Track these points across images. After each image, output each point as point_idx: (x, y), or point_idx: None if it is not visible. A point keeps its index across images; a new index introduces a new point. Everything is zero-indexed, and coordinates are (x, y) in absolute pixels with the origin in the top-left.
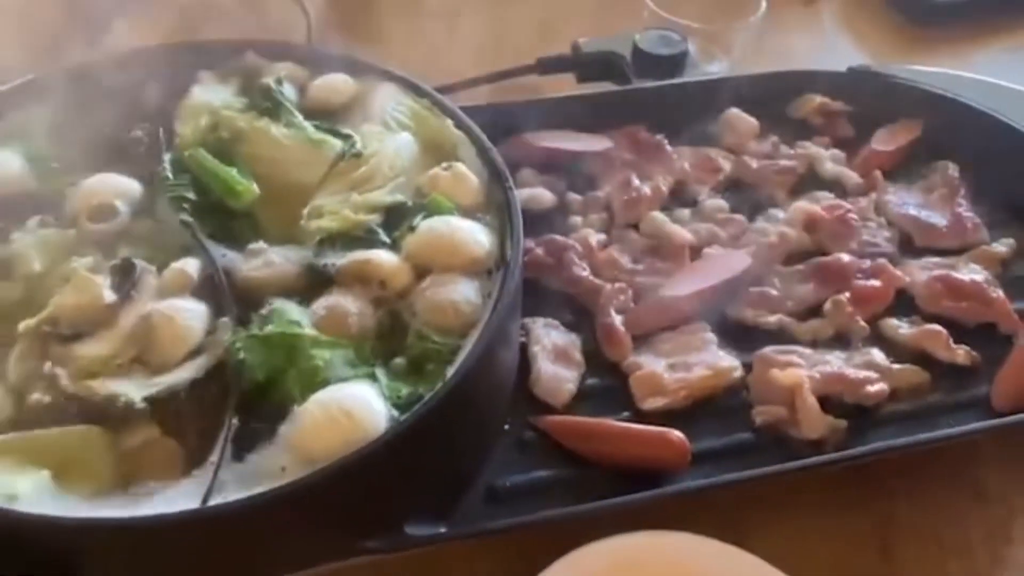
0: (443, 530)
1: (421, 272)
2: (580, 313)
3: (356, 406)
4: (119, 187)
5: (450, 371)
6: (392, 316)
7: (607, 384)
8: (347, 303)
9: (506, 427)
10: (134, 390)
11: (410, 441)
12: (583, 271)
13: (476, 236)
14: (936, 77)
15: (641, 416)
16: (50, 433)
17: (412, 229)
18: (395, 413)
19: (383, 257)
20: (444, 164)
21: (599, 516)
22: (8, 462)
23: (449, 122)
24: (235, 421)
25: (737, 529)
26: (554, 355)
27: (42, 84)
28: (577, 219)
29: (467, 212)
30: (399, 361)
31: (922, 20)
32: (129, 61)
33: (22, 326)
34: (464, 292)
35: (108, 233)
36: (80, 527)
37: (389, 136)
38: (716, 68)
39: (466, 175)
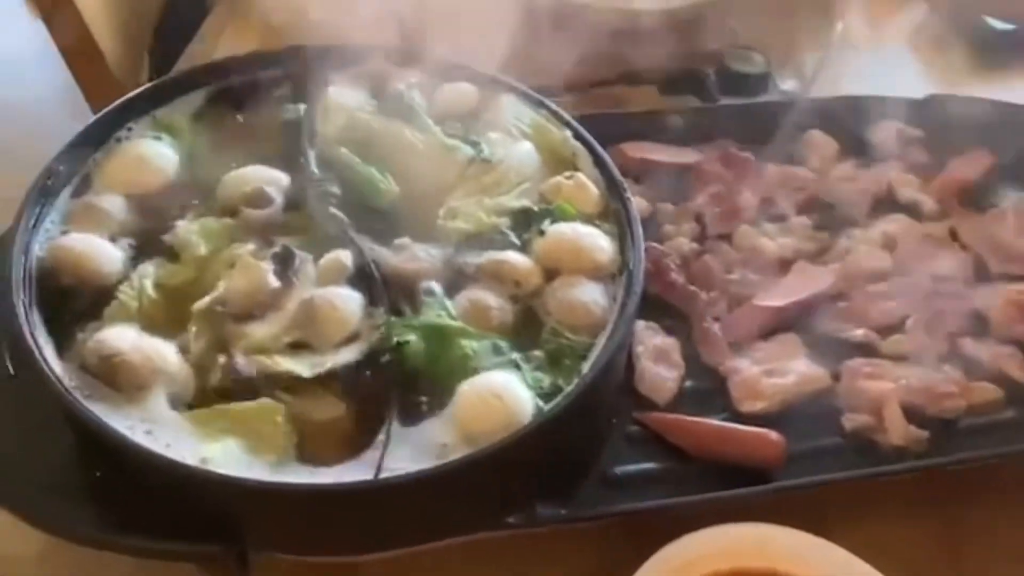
0: (569, 511)
1: (550, 274)
2: (676, 318)
3: (508, 393)
4: (269, 177)
5: (585, 366)
6: (527, 312)
7: (705, 386)
8: (488, 298)
9: (614, 421)
10: (302, 367)
11: (553, 427)
12: (679, 278)
13: (600, 242)
14: (1012, 107)
15: (738, 417)
16: (239, 407)
17: (542, 233)
18: (539, 401)
19: (517, 259)
20: (566, 173)
21: (702, 507)
22: (201, 432)
23: (568, 133)
24: (399, 401)
25: (821, 524)
26: (655, 356)
27: (187, 80)
28: (670, 228)
29: (587, 219)
30: (538, 354)
31: (988, 47)
32: (266, 60)
33: (196, 306)
34: (593, 295)
35: (263, 221)
36: (264, 490)
37: (513, 144)
38: (788, 87)
39: (587, 184)
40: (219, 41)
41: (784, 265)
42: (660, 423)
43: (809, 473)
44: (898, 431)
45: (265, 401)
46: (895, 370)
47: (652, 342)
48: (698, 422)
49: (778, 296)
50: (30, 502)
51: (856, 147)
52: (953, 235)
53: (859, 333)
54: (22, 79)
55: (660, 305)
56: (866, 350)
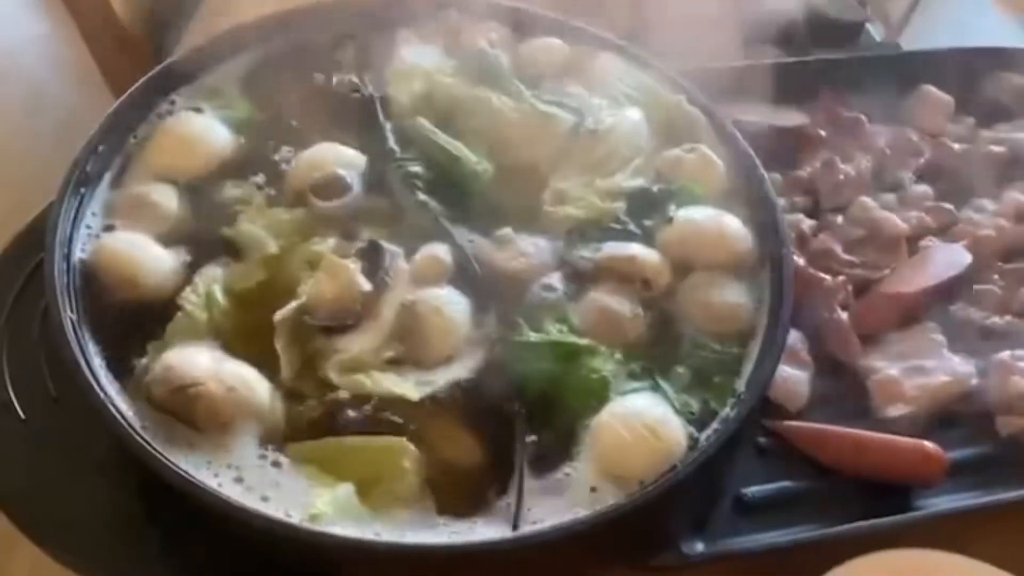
0: (712, 549)
1: (680, 269)
2: (795, 307)
3: (658, 423)
4: (343, 158)
5: (740, 384)
6: (661, 319)
7: (838, 387)
8: (620, 306)
9: None
10: (407, 387)
11: (712, 460)
12: (800, 260)
13: (739, 230)
14: None
15: (878, 423)
16: (360, 443)
17: (669, 220)
18: (691, 429)
19: (646, 253)
20: (686, 146)
21: (853, 536)
22: (306, 476)
23: (682, 97)
24: (527, 433)
25: (982, 545)
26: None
27: (232, 40)
28: (781, 201)
29: (715, 200)
30: (682, 371)
31: None
32: (323, 13)
33: (278, 316)
34: (738, 295)
35: (341, 211)
36: (392, 554)
37: (619, 111)
38: (878, 33)
39: (712, 159)
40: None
41: (909, 242)
42: (796, 434)
43: (963, 488)
44: None
45: (392, 440)
46: None
47: None
48: (841, 433)
49: (911, 280)
50: (84, 551)
51: (969, 104)
52: None
53: (1004, 320)
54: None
55: None
56: (1013, 339)
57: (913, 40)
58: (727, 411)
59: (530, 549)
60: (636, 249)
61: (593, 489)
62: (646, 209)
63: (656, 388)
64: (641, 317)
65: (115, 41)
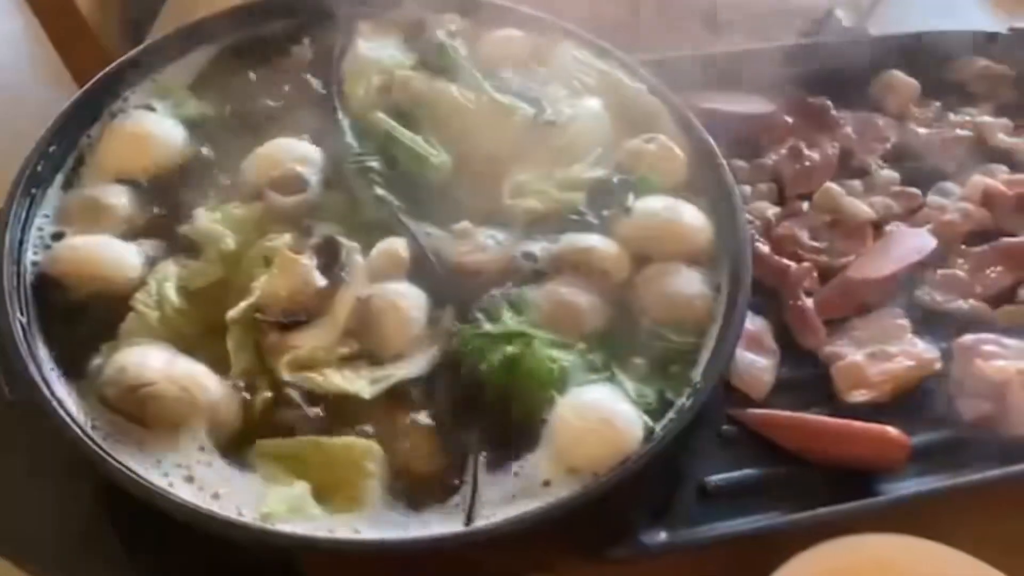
0: (668, 537)
1: (639, 259)
2: (762, 294)
3: (613, 414)
4: (299, 153)
5: (696, 374)
6: (619, 310)
7: (803, 374)
8: (577, 297)
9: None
10: (360, 385)
11: (667, 450)
12: (765, 248)
13: (697, 220)
14: None
15: (842, 409)
16: (326, 443)
17: (627, 211)
18: (647, 419)
19: (604, 245)
20: (645, 136)
21: (816, 523)
22: (268, 469)
23: (643, 87)
24: (482, 428)
25: (947, 530)
26: (747, 342)
27: (186, 37)
28: (746, 189)
29: (674, 191)
30: (639, 362)
31: None
32: (280, 9)
33: (231, 314)
34: (695, 285)
35: (298, 206)
36: (343, 549)
37: (579, 101)
38: (844, 18)
39: (672, 149)
40: None
41: (875, 227)
42: (760, 422)
43: (927, 472)
44: (1023, 419)
45: (356, 441)
46: (1014, 346)
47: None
48: (804, 419)
49: (875, 266)
50: (43, 555)
51: (935, 88)
52: None
53: (968, 304)
54: None
55: None
56: (977, 323)
57: (884, 26)
58: (683, 401)
59: (482, 543)
60: (594, 240)
61: (547, 482)
62: (605, 200)
63: (613, 379)
64: (599, 308)
65: (78, 38)
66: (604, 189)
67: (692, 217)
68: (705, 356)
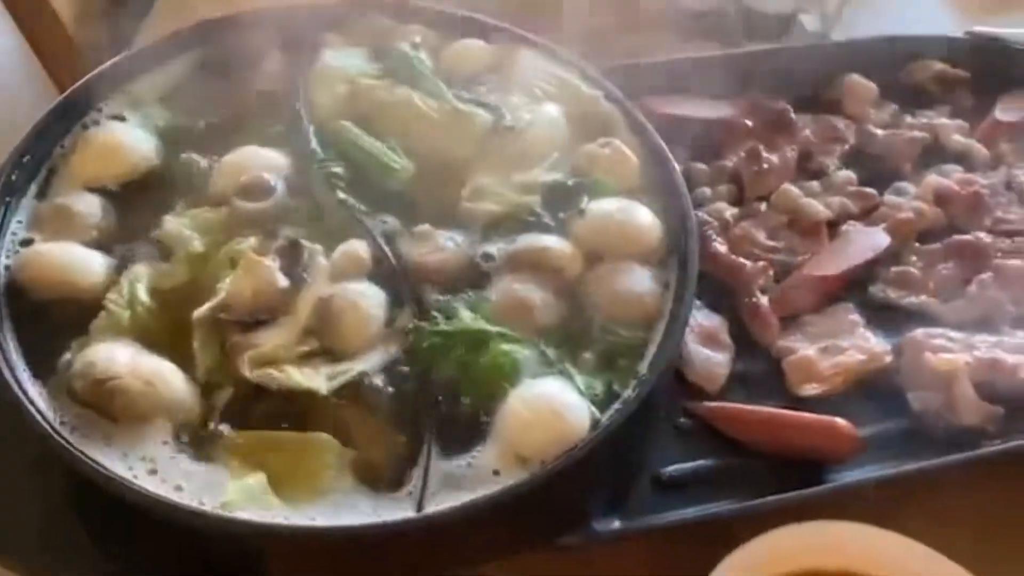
0: (622, 525)
1: (591, 259)
2: (720, 293)
3: (562, 405)
4: (266, 161)
5: (643, 366)
6: (572, 307)
7: (757, 368)
8: (530, 293)
9: (662, 414)
10: (318, 381)
11: (615, 439)
12: (722, 247)
13: (648, 221)
14: None
15: (795, 402)
16: (288, 437)
17: (581, 213)
18: (594, 410)
19: (558, 244)
20: (601, 141)
21: (766, 510)
22: (232, 463)
23: (599, 93)
24: (436, 420)
25: (894, 516)
26: (703, 337)
27: (158, 51)
28: (705, 191)
29: (628, 193)
30: (589, 356)
31: None
32: (249, 23)
33: (197, 313)
34: (644, 282)
35: (264, 211)
36: (296, 536)
37: (537, 108)
38: (810, 23)
39: (626, 153)
40: None
41: (831, 227)
42: (713, 414)
43: (877, 461)
44: (969, 409)
45: (318, 436)
46: (962, 340)
47: (697, 322)
48: (756, 411)
49: (830, 263)
50: (16, 548)
51: (893, 91)
52: (1008, 185)
53: (917, 301)
54: None
55: (701, 278)
56: (925, 318)
57: (851, 30)
58: (628, 392)
59: (431, 528)
60: (549, 240)
61: (496, 472)
62: (561, 202)
63: (563, 373)
64: (552, 305)
65: (62, 48)
66: (560, 192)
67: (643, 218)
68: (652, 350)
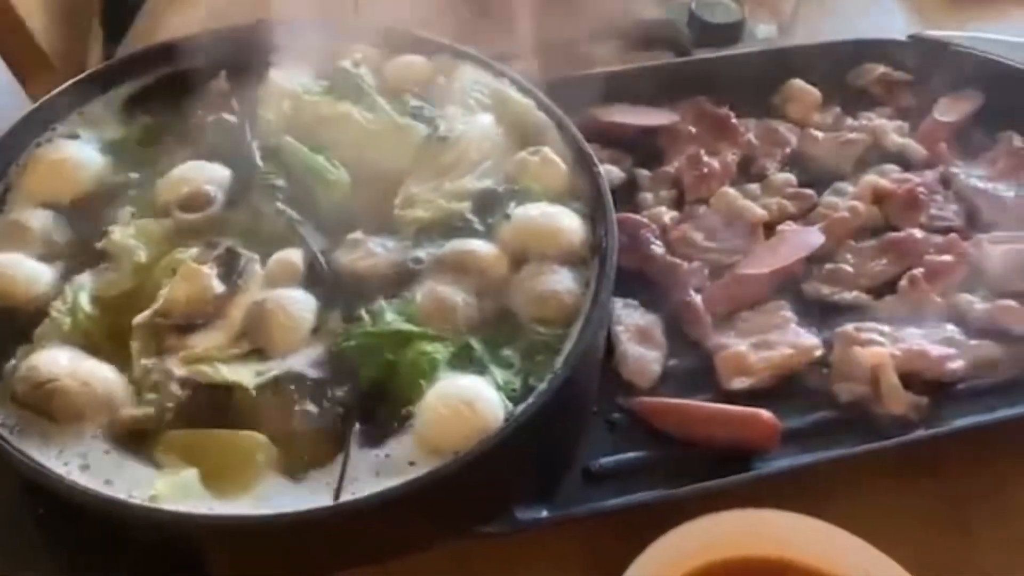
0: (547, 514)
1: (517, 260)
2: (655, 292)
3: (476, 399)
4: (209, 174)
5: (559, 362)
6: (497, 306)
7: (690, 364)
8: (452, 294)
9: (594, 409)
10: (245, 375)
11: (527, 431)
12: (659, 249)
13: (570, 223)
14: (998, 44)
15: (726, 396)
16: (220, 435)
17: (507, 217)
18: (510, 404)
19: (484, 247)
20: (531, 149)
21: (691, 498)
22: (164, 459)
23: (531, 103)
24: (358, 416)
25: (817, 503)
26: (637, 336)
27: (114, 72)
28: (647, 195)
29: (556, 198)
30: (508, 353)
31: None
32: (199, 43)
33: (136, 319)
34: (565, 282)
35: (205, 222)
36: (216, 524)
37: (472, 118)
38: (765, 30)
39: (554, 160)
40: (164, 18)
41: (769, 227)
42: (644, 408)
43: (804, 451)
44: (895, 400)
45: (248, 435)
46: (891, 333)
47: (632, 321)
48: (683, 404)
49: (763, 262)
50: None
51: (839, 94)
52: (945, 183)
53: (849, 297)
54: None
55: (639, 280)
56: (858, 313)
57: (807, 33)
58: (543, 386)
59: (346, 515)
60: (475, 244)
61: (412, 463)
62: (490, 208)
63: (483, 369)
64: (473, 305)
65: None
66: (490, 198)
67: (565, 220)
68: (568, 346)
